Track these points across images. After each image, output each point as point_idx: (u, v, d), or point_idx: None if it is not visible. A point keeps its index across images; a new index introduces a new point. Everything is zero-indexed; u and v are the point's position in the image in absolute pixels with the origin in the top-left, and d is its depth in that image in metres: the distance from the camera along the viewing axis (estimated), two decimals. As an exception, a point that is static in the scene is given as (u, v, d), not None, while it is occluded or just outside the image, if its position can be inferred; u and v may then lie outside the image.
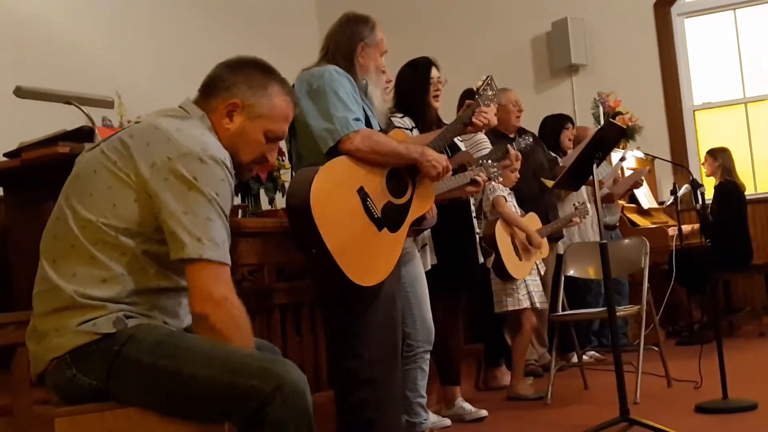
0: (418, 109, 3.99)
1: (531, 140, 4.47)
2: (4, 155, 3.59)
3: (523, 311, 4.67)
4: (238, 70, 2.21)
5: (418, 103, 4.00)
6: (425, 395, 3.73)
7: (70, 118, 3.59)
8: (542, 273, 4.87)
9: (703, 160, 6.99)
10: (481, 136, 4.72)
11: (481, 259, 4.35)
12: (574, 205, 5.09)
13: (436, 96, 4.05)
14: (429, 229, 3.78)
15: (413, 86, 4.02)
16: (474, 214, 4.30)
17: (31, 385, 2.48)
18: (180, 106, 2.20)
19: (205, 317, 1.96)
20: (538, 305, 4.70)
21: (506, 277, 4.60)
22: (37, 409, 2.06)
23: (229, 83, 2.18)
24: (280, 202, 4.43)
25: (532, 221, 4.79)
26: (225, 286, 1.97)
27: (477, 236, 4.28)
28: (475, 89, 3.48)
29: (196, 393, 1.92)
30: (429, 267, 3.86)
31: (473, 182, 3.71)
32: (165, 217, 1.97)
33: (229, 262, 2.00)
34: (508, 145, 4.23)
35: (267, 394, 1.87)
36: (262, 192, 4.38)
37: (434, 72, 4.05)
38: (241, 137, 2.18)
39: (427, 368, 3.71)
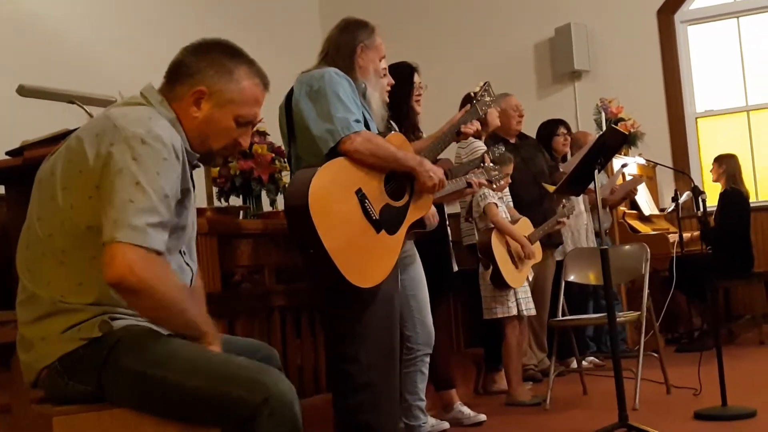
0: (402, 113, 4.01)
1: (503, 148, 4.49)
2: (7, 153, 3.59)
3: (508, 321, 4.65)
4: (202, 54, 2.11)
5: (402, 106, 4.02)
6: (425, 398, 3.73)
7: (72, 118, 3.59)
8: (530, 279, 4.85)
9: (707, 168, 6.99)
10: (479, 143, 4.73)
11: (455, 267, 4.36)
12: (562, 204, 5.07)
13: (418, 101, 4.09)
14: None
15: (397, 90, 4.03)
16: (447, 221, 4.31)
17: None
18: (141, 93, 2.12)
19: (119, 284, 1.83)
20: (524, 312, 4.69)
21: (504, 287, 4.59)
22: (36, 408, 2.05)
23: (194, 69, 2.09)
24: (281, 203, 4.43)
25: (525, 226, 4.78)
26: (135, 255, 1.82)
27: (450, 242, 4.31)
28: (472, 95, 3.50)
29: (184, 402, 1.89)
30: None
31: (469, 185, 3.74)
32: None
33: (151, 246, 1.85)
34: (485, 154, 4.25)
35: (255, 405, 1.83)
36: (263, 193, 4.37)
37: (416, 77, 4.10)
38: (210, 125, 2.10)
39: (426, 371, 3.71)
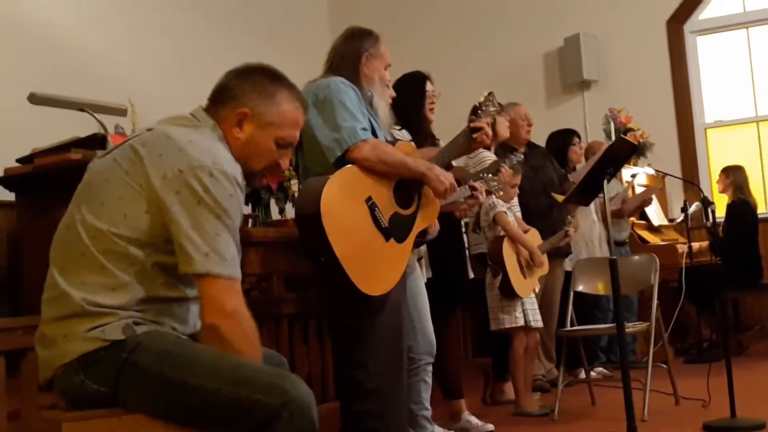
0: (414, 122, 4.02)
1: (522, 157, 4.47)
2: (17, 161, 3.62)
3: (515, 331, 4.64)
4: (246, 77, 2.21)
5: (414, 116, 4.03)
6: (429, 407, 3.72)
7: (83, 125, 3.61)
8: (536, 291, 4.84)
9: (717, 178, 6.98)
10: (486, 153, 4.73)
11: (471, 275, 4.35)
12: (567, 218, 5.07)
13: (431, 109, 4.09)
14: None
15: (409, 99, 4.04)
16: (464, 229, 4.30)
17: (40, 390, 2.49)
18: (192, 114, 2.20)
19: (215, 328, 1.95)
20: (531, 323, 4.67)
21: (512, 296, 4.58)
22: (45, 414, 2.06)
23: (238, 92, 2.18)
24: (290, 212, 4.43)
25: (534, 238, 4.77)
26: (235, 298, 1.98)
27: (466, 251, 4.29)
28: (477, 105, 3.51)
29: (202, 405, 1.92)
30: (424, 280, 3.87)
31: (473, 196, 3.73)
32: (174, 230, 1.97)
33: (239, 276, 2.00)
34: (501, 163, 4.23)
35: (273, 409, 1.87)
36: (272, 202, 4.38)
37: (429, 86, 4.09)
38: (251, 146, 2.19)
39: (430, 380, 3.70)
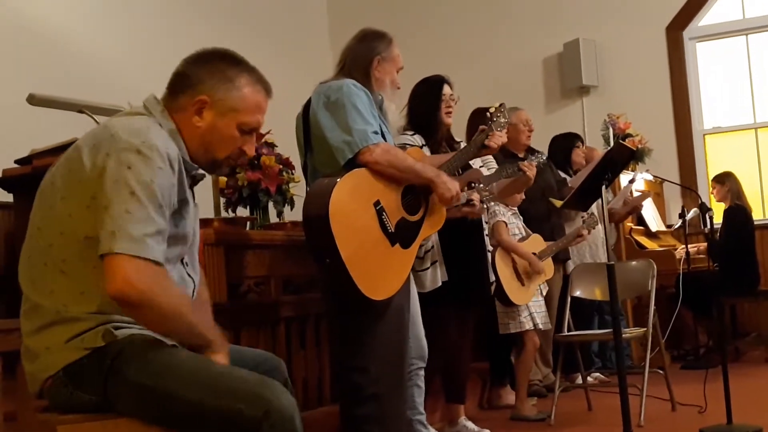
0: (430, 126, 4.02)
1: (543, 157, 4.46)
2: (16, 162, 3.61)
3: (526, 332, 4.65)
4: (202, 64, 2.13)
5: (430, 119, 4.03)
6: (424, 412, 3.71)
7: (82, 127, 3.59)
8: (544, 293, 4.84)
9: (710, 187, 6.99)
10: (488, 157, 4.73)
11: (493, 277, 4.34)
12: (582, 217, 5.06)
13: (449, 113, 4.08)
14: (439, 246, 3.80)
15: (426, 103, 4.04)
16: (486, 232, 4.29)
17: (36, 393, 2.47)
18: (143, 104, 2.13)
19: (120, 295, 1.83)
20: (540, 326, 4.68)
21: (509, 303, 4.58)
22: (41, 417, 2.05)
23: (195, 79, 2.10)
24: (289, 215, 4.44)
25: (536, 243, 4.76)
26: (141, 278, 1.83)
27: (489, 254, 4.28)
28: (488, 114, 3.52)
29: (187, 415, 1.90)
30: (439, 283, 3.85)
31: (469, 203, 3.72)
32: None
33: (150, 256, 1.86)
34: (519, 163, 4.23)
35: (256, 419, 1.84)
36: (270, 204, 4.38)
37: (446, 89, 4.07)
38: (213, 134, 2.10)
39: (423, 385, 3.69)
